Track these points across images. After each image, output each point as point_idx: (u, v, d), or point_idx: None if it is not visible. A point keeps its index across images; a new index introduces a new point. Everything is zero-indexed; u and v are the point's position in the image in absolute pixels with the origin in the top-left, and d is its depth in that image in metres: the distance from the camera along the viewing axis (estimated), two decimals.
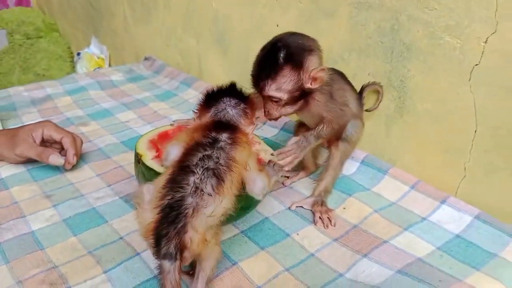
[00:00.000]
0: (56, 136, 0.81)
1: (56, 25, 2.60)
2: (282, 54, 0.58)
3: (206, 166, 0.46)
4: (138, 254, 0.61)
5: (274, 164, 0.58)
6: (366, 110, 0.73)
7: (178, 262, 0.43)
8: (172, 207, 0.43)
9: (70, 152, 0.80)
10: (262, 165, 0.57)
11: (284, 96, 0.60)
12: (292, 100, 0.61)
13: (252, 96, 0.59)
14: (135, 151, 0.66)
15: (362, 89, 0.74)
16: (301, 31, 0.85)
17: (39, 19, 2.58)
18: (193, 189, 0.45)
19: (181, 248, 0.43)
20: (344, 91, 0.67)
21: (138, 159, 0.64)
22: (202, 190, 0.45)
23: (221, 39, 1.12)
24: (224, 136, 0.51)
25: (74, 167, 0.83)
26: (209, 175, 0.46)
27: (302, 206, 0.70)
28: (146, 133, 0.71)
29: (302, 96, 0.61)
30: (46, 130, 0.81)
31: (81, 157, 0.87)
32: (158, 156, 0.64)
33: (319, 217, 0.66)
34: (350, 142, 0.69)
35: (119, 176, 0.81)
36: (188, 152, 0.48)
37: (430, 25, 0.63)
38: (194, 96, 1.16)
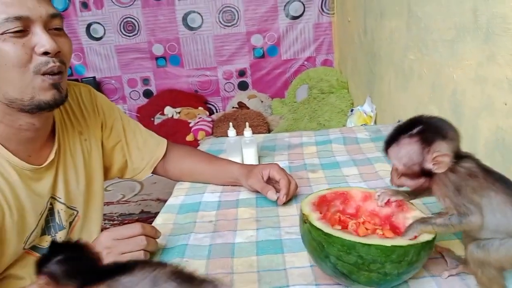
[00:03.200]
0: (277, 176, 1.01)
1: (347, 83, 2.97)
2: (415, 128, 0.61)
3: None
4: (287, 286, 0.72)
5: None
6: None
7: None
8: None
9: (282, 192, 0.99)
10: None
11: (400, 166, 0.62)
12: (412, 175, 0.62)
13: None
14: (301, 212, 0.71)
15: None
16: None
17: (334, 78, 3.03)
18: None
19: None
20: (483, 193, 0.58)
21: (304, 220, 0.69)
22: None
23: (456, 111, 1.10)
24: None
25: (285, 203, 1.01)
26: None
27: None
28: (311, 195, 0.76)
29: (424, 174, 0.61)
30: (271, 171, 1.03)
31: (294, 197, 1.04)
32: (323, 218, 0.69)
33: None
34: (485, 250, 0.58)
35: None
36: None
37: None
38: None
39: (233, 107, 3.28)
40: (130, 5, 3.30)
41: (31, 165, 0.87)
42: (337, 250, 0.61)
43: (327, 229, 0.64)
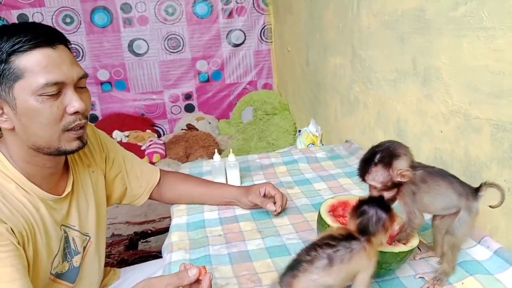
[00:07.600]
0: (272, 192, 1.24)
1: (288, 105, 3.29)
2: (376, 157, 0.85)
3: (326, 251, 0.68)
4: None
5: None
6: (490, 206, 0.88)
7: None
8: (298, 261, 0.69)
9: (278, 204, 1.21)
10: None
11: (378, 184, 0.85)
12: (388, 188, 0.86)
13: (392, 210, 0.77)
14: (319, 214, 0.97)
15: (481, 185, 0.85)
16: (456, 141, 1.09)
17: (276, 100, 3.33)
18: (310, 259, 0.68)
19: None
20: (432, 189, 0.85)
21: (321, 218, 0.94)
22: (312, 263, 0.67)
23: (400, 136, 1.41)
24: (354, 242, 0.70)
25: (278, 215, 1.24)
26: (322, 257, 0.67)
27: (423, 277, 0.91)
28: (328, 199, 1.03)
29: (395, 185, 0.86)
30: (267, 188, 1.25)
31: (284, 210, 1.27)
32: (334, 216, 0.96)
33: (428, 287, 0.86)
34: (454, 235, 0.85)
35: (305, 227, 1.17)
36: (324, 237, 0.72)
37: None
38: None
39: (182, 129, 3.43)
40: (74, 32, 3.33)
41: (53, 195, 1.01)
42: None
43: (333, 223, 0.90)
